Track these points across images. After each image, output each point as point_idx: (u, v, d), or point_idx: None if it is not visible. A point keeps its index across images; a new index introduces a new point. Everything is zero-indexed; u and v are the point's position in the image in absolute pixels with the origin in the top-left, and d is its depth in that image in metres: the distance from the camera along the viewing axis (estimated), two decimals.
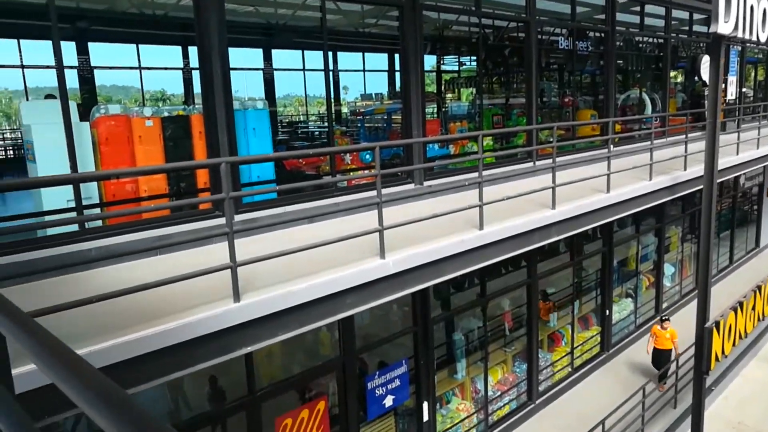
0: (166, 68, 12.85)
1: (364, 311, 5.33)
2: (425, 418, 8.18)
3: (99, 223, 5.27)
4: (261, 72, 12.97)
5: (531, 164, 9.03)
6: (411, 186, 7.44)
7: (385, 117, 10.41)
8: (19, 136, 11.29)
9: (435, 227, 5.73)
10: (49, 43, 4.94)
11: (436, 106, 11.65)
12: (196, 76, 11.89)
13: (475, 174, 6.06)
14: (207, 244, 5.33)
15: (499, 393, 9.81)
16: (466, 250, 5.69)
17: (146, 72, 12.40)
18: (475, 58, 14.60)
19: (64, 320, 3.42)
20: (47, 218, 5.04)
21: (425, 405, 8.18)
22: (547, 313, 11.00)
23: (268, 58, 13.25)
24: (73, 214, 5.07)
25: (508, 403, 9.98)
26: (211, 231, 5.02)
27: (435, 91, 13.37)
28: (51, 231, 4.97)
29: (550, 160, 6.96)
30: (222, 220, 5.68)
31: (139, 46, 11.87)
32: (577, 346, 11.41)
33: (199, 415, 6.26)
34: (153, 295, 3.82)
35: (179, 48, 12.08)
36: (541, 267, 10.22)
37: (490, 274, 9.18)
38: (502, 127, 10.54)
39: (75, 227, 5.06)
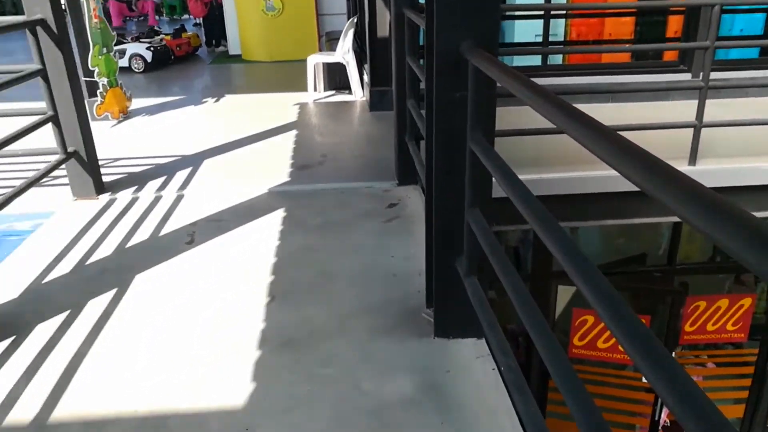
0: None
1: None
2: None
3: (559, 60, 5.40)
4: None
5: None
6: None
7: None
8: None
9: None
10: None
11: None
12: None
13: None
14: (658, 99, 4.97)
15: None
16: None
17: None
18: None
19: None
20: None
21: None
22: None
23: None
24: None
25: None
26: (678, 84, 4.61)
27: None
28: (517, 62, 5.34)
29: None
30: (685, 76, 5.17)
31: None
32: None
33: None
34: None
35: None
36: None
37: None
38: None
39: (538, 62, 5.29)
